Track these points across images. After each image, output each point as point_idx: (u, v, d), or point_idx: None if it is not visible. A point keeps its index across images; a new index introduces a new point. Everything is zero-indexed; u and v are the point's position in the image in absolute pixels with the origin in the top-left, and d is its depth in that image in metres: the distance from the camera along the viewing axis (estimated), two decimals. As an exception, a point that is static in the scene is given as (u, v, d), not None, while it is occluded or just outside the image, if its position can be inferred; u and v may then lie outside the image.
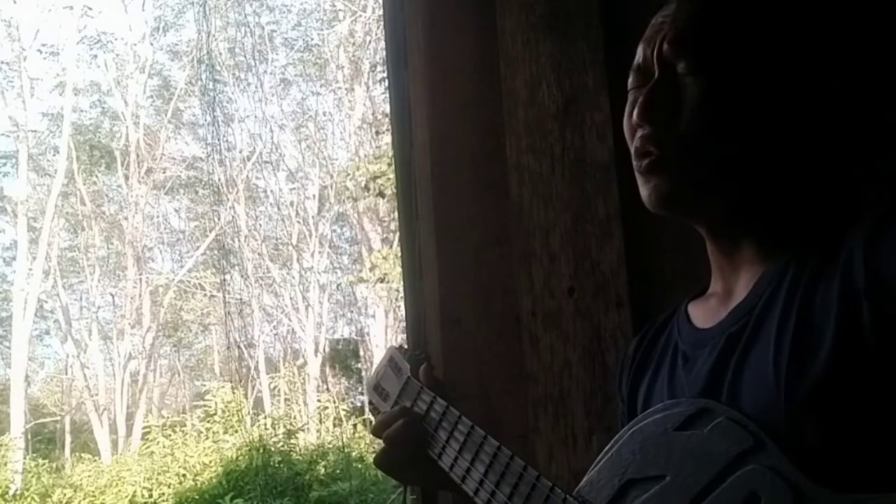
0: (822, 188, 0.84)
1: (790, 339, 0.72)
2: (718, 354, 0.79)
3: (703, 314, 0.88)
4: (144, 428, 14.66)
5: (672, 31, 0.84)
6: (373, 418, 1.21)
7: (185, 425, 14.10)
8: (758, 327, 0.77)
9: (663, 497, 0.73)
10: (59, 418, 17.48)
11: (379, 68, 15.43)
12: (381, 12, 2.83)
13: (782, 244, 0.81)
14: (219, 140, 16.05)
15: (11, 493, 11.84)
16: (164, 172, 18.33)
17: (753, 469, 0.68)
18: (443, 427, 1.04)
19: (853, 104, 0.86)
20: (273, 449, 11.95)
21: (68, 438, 16.84)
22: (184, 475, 11.85)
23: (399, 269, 3.85)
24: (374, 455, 1.14)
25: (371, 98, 16.38)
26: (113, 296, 18.40)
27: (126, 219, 17.69)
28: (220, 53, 16.68)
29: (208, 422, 13.31)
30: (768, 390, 0.72)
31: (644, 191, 0.85)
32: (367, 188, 14.17)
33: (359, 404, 16.27)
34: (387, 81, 2.10)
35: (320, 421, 14.06)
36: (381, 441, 1.12)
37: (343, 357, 17.74)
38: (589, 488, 0.81)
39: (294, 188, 17.91)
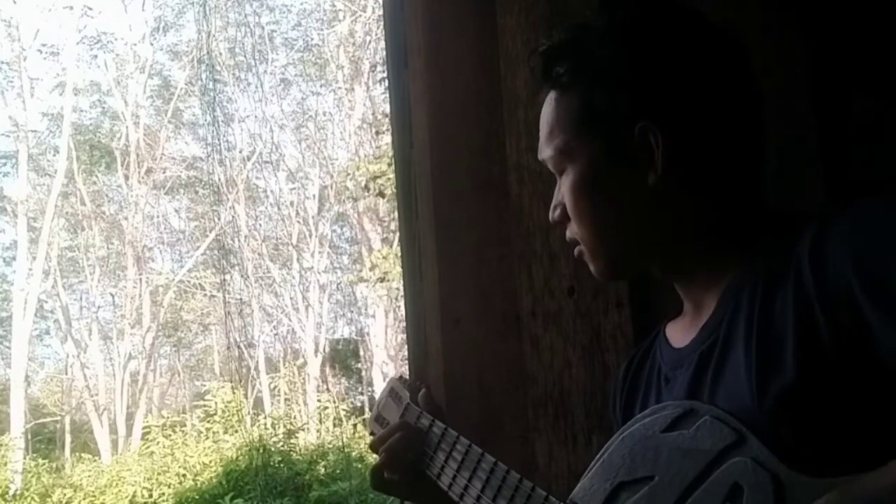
0: (754, 196, 0.86)
1: (756, 351, 0.75)
2: (693, 373, 0.82)
3: (679, 334, 0.91)
4: (144, 428, 14.66)
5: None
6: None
7: (185, 425, 14.10)
8: (726, 343, 0.79)
9: (653, 496, 0.75)
10: (59, 418, 17.47)
11: (379, 68, 15.42)
12: (381, 12, 2.83)
13: (736, 256, 0.83)
14: (219, 140, 16.04)
15: (11, 493, 11.83)
16: (164, 172, 18.32)
17: (736, 462, 0.70)
18: (441, 448, 1.06)
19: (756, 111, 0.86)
20: (273, 449, 11.94)
21: (68, 438, 16.83)
22: (184, 475, 11.85)
23: (399, 269, 3.85)
24: (371, 467, 1.14)
25: (371, 98, 16.38)
26: (113, 296, 18.39)
27: (126, 219, 17.68)
28: (220, 53, 16.67)
29: (208, 422, 13.30)
30: (743, 402, 0.74)
31: None
32: (367, 188, 14.17)
33: (359, 404, 16.27)
34: (387, 81, 2.10)
35: (320, 421, 14.05)
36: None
37: (343, 357, 17.73)
38: (582, 494, 0.83)
39: (294, 188, 17.91)
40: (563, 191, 0.89)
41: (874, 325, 0.67)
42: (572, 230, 0.90)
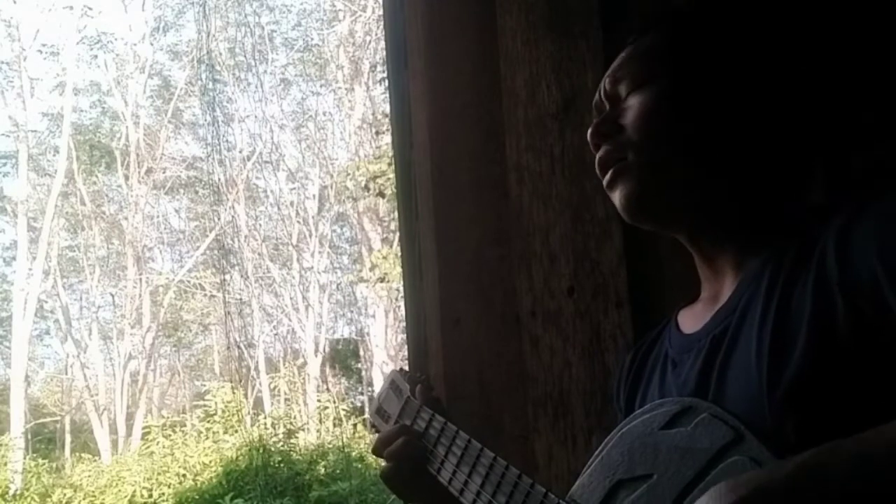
0: (792, 186, 0.86)
1: (769, 337, 0.74)
2: (704, 357, 0.81)
3: (691, 320, 0.90)
4: (144, 428, 14.66)
5: (613, 68, 0.94)
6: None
7: (185, 425, 14.11)
8: (739, 327, 0.79)
9: (651, 495, 0.75)
10: (59, 418, 17.49)
11: (379, 68, 15.43)
12: (381, 12, 2.83)
13: (761, 244, 0.83)
14: (219, 140, 16.08)
15: (11, 493, 11.84)
16: (164, 172, 18.34)
17: (735, 461, 0.69)
18: (441, 443, 1.07)
19: (812, 104, 0.90)
20: (273, 449, 11.95)
21: (68, 438, 16.85)
22: (184, 475, 11.85)
23: (399, 269, 3.85)
24: (379, 467, 1.15)
25: (371, 98, 16.38)
26: (113, 296, 18.41)
27: (126, 219, 17.69)
28: (220, 53, 16.70)
29: (208, 422, 13.31)
30: (752, 388, 0.74)
31: (616, 203, 0.89)
32: (367, 188, 14.17)
33: (359, 404, 16.28)
34: (387, 81, 2.10)
35: (320, 421, 14.06)
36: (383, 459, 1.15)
37: (343, 357, 17.75)
38: (581, 491, 0.83)
39: (294, 188, 17.92)
40: (643, 99, 0.88)
41: None
42: (624, 145, 0.88)
